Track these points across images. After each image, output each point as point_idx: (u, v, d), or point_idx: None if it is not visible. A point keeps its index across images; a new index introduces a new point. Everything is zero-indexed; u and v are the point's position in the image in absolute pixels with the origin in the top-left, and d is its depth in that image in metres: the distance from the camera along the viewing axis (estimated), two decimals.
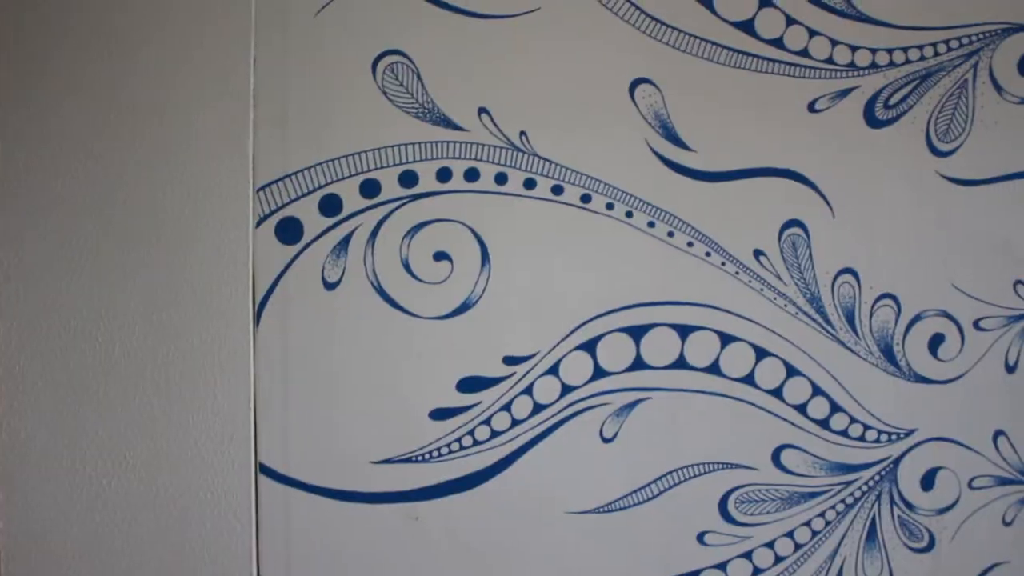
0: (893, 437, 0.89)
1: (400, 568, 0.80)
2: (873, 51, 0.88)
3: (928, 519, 0.90)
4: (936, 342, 0.89)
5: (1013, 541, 0.91)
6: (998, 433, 0.91)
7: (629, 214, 0.83)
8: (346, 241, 0.78)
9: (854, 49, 0.87)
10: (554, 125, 0.82)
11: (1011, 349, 0.91)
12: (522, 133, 0.81)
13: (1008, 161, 0.91)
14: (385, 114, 0.78)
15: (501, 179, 0.81)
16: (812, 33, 0.86)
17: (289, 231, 0.77)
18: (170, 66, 0.74)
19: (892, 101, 0.88)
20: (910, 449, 0.90)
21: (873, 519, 0.89)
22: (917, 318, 0.89)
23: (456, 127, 0.80)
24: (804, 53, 0.86)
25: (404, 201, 0.79)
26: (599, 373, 0.83)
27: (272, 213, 0.76)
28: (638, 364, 0.83)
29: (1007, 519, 0.92)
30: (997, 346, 0.90)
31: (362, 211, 0.78)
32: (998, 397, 0.91)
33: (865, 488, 0.89)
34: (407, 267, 0.79)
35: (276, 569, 0.77)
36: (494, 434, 0.82)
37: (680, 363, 0.84)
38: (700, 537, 0.86)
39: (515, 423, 0.82)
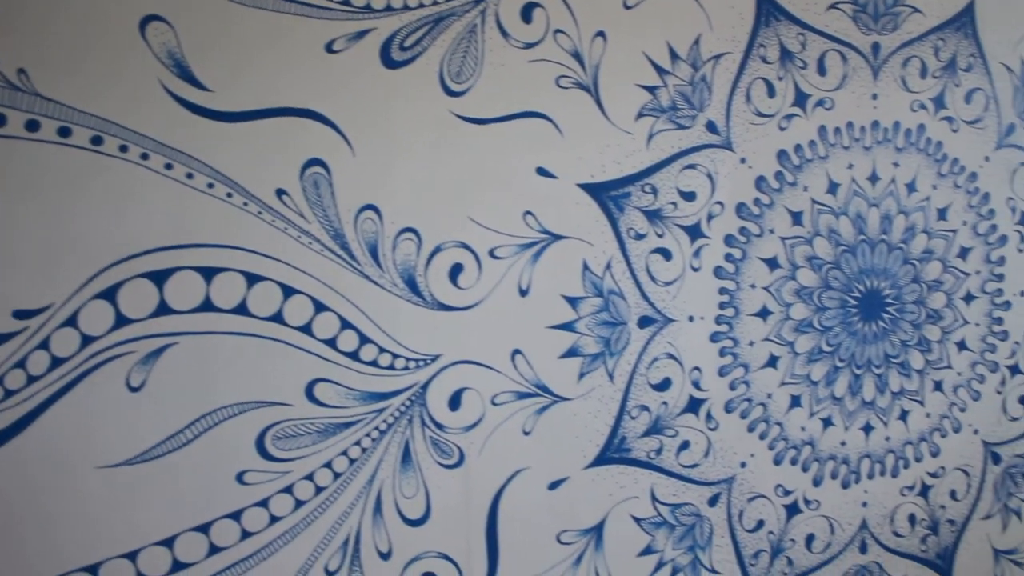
0: (420, 363, 1.29)
1: None
2: None
3: (457, 436, 1.32)
4: (456, 271, 1.30)
5: (532, 448, 1.35)
6: (515, 352, 1.34)
7: (145, 156, 1.10)
8: None
9: None
10: (58, 64, 1.03)
11: (523, 274, 1.34)
12: (21, 71, 1.02)
13: (515, 101, 1.29)
14: None
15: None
16: None
17: None
18: None
19: (407, 43, 1.25)
20: (437, 373, 1.28)
21: (407, 442, 1.29)
22: (437, 249, 1.26)
23: None
24: None
25: None
26: (121, 321, 1.09)
27: None
28: (162, 309, 1.11)
29: (526, 429, 1.36)
30: (511, 272, 1.33)
31: None
32: (514, 319, 1.32)
33: (397, 414, 1.28)
34: None
35: None
36: (8, 394, 1.02)
37: (206, 306, 1.14)
38: (239, 477, 1.18)
39: (32, 380, 1.05)
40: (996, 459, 1.75)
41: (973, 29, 1.63)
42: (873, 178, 1.57)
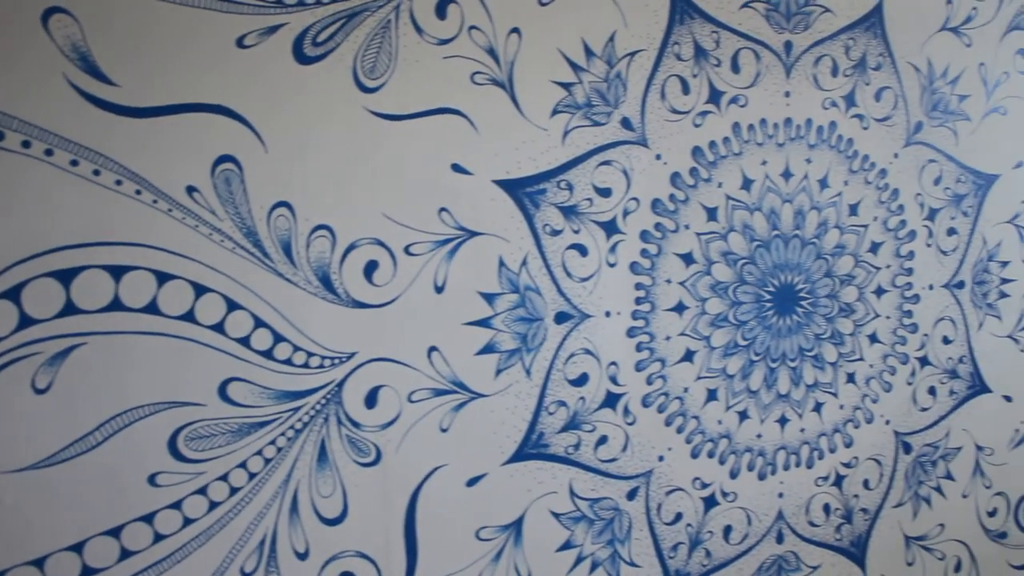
0: (336, 361, 1.29)
1: None
2: None
3: (374, 434, 1.33)
4: (371, 268, 1.31)
5: (450, 445, 1.37)
6: (432, 349, 1.35)
7: (49, 152, 1.09)
8: None
9: None
10: None
11: (439, 271, 1.36)
12: None
13: (429, 97, 1.30)
14: None
15: None
16: None
17: None
18: None
19: (320, 39, 1.26)
20: (352, 371, 1.29)
21: (323, 441, 1.29)
22: (352, 247, 1.27)
23: None
24: None
25: None
26: (26, 321, 1.08)
27: None
28: (69, 309, 1.10)
29: (444, 426, 1.34)
30: (426, 269, 1.34)
31: None
32: (430, 316, 1.33)
33: (313, 412, 1.28)
34: None
35: None
36: None
37: (115, 305, 1.14)
38: (151, 479, 1.17)
39: None
40: (907, 448, 1.81)
41: (882, 29, 1.69)
42: (786, 174, 1.61)
